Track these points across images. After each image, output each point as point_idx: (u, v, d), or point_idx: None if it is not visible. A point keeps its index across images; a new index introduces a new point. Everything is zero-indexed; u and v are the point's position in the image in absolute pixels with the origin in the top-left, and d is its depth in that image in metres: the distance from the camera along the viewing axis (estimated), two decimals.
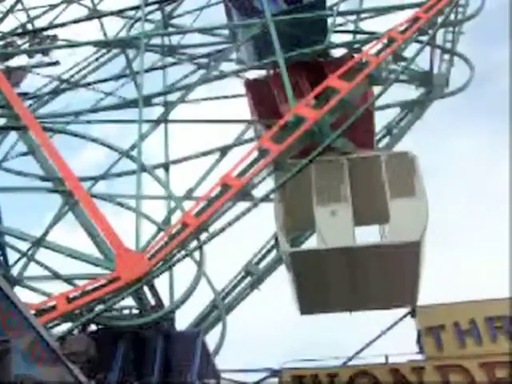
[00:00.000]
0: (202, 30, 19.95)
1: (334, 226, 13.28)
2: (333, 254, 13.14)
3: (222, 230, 12.77)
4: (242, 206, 13.30)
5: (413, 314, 16.60)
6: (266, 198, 13.14)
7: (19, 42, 22.45)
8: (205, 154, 16.99)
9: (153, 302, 13.45)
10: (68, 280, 15.29)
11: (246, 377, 16.86)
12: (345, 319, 15.23)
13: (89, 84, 19.75)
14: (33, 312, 12.40)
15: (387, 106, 17.75)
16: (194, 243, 12.88)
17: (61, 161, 14.34)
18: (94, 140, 15.39)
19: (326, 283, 13.93)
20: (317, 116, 13.88)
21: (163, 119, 15.81)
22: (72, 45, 20.15)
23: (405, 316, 16.70)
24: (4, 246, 15.85)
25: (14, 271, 16.53)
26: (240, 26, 17.81)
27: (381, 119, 17.56)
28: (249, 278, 15.86)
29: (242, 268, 16.02)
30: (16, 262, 15.54)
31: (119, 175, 16.25)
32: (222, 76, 17.53)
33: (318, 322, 15.94)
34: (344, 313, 14.86)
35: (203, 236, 12.82)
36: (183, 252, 12.63)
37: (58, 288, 13.89)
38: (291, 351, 25.22)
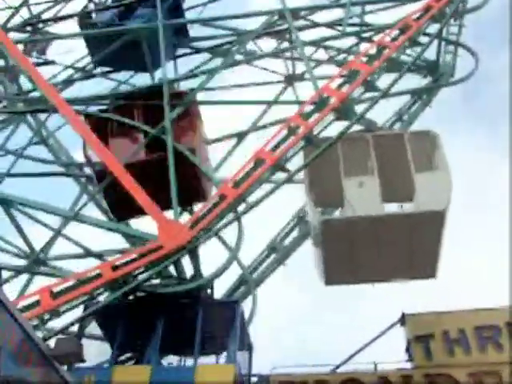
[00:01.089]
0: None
1: (362, 196, 13.95)
2: (362, 223, 13.78)
3: (260, 200, 13.36)
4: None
5: (402, 322, 16.50)
6: (299, 171, 13.75)
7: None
8: (233, 136, 17.57)
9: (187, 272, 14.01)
10: (99, 256, 15.76)
11: None
12: (335, 326, 15.43)
13: (107, 72, 20.15)
14: (76, 280, 12.97)
15: (398, 94, 18.53)
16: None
17: (95, 140, 14.81)
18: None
19: (353, 253, 14.55)
20: (343, 95, 14.66)
21: (189, 101, 16.33)
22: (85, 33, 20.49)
23: (394, 324, 16.53)
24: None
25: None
26: None
27: (393, 106, 18.43)
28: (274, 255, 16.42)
29: (267, 245, 16.59)
30: (49, 243, 15.76)
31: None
32: (243, 62, 18.18)
33: (308, 329, 16.08)
34: (367, 284, 15.45)
35: (241, 207, 13.43)
36: (223, 222, 13.17)
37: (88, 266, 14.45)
38: (280, 357, 25.68)
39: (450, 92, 21.73)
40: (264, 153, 13.94)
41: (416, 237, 14.20)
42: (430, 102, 18.59)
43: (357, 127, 15.39)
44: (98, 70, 20.69)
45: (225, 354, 14.23)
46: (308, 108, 14.83)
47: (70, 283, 12.86)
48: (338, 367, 16.05)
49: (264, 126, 18.32)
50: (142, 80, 20.14)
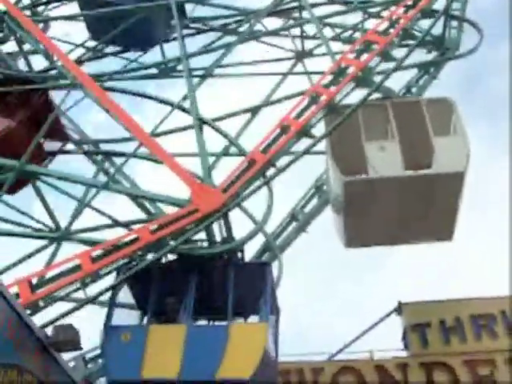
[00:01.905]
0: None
1: (383, 159, 14.51)
2: (384, 184, 14.32)
3: (289, 164, 13.87)
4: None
5: (399, 311, 16.99)
6: (326, 136, 14.27)
7: None
8: (247, 110, 18.02)
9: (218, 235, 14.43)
10: (127, 226, 16.14)
11: None
12: (331, 315, 15.87)
13: (121, 52, 20.50)
14: (114, 244, 13.35)
15: (407, 67, 19.11)
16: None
17: (125, 114, 15.17)
18: (149, 97, 16.27)
19: (373, 215, 15.09)
20: (362, 64, 15.23)
21: (209, 74, 16.82)
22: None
23: (391, 313, 17.08)
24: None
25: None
26: None
27: (401, 80, 19.02)
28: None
29: (289, 213, 17.12)
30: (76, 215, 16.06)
31: (175, 131, 16.92)
32: (255, 36, 18.68)
33: (305, 317, 16.43)
34: (386, 246, 16.04)
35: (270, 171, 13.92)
36: (255, 185, 13.65)
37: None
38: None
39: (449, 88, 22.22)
40: (289, 120, 14.45)
41: (435, 199, 14.81)
42: (436, 76, 19.22)
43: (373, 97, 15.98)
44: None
45: (254, 317, 14.78)
46: (326, 79, 15.46)
47: (109, 248, 13.29)
48: (334, 355, 16.68)
49: (277, 101, 18.76)
50: (152, 58, 20.65)
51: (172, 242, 13.09)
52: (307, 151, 14.05)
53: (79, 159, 19.86)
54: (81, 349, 11.05)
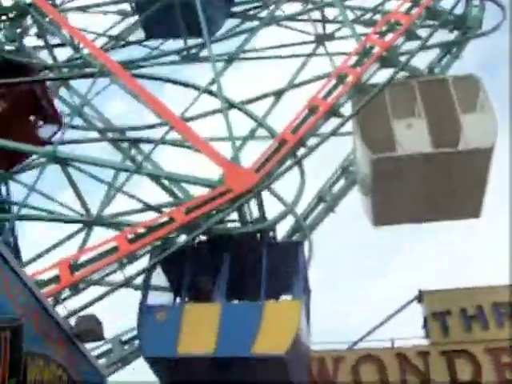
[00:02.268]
0: None
1: (411, 136, 14.65)
2: (412, 161, 14.47)
3: (319, 143, 14.06)
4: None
5: (419, 299, 17.01)
6: (355, 115, 14.43)
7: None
8: (271, 94, 18.22)
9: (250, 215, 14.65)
10: (158, 209, 16.41)
11: None
12: (352, 304, 15.91)
13: (143, 40, 20.72)
14: (149, 226, 13.62)
15: (429, 48, 19.18)
16: None
17: (155, 99, 15.39)
18: (177, 82, 16.51)
19: (401, 193, 15.22)
20: (388, 44, 15.37)
21: (235, 57, 17.04)
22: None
23: (411, 301, 17.10)
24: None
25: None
26: None
27: (424, 60, 19.12)
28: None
29: (316, 194, 17.34)
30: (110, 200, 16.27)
31: (203, 115, 17.11)
32: (277, 21, 18.86)
33: (325, 307, 16.53)
34: (414, 223, 16.19)
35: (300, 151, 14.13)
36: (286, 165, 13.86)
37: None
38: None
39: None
40: (317, 100, 14.64)
41: (463, 176, 14.95)
42: (459, 55, 19.26)
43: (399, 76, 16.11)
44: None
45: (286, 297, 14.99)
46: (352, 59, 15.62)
47: (144, 230, 13.56)
48: (355, 344, 16.81)
49: (302, 83, 18.94)
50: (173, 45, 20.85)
51: (205, 223, 13.30)
52: (337, 130, 14.25)
53: (100, 148, 20.31)
54: (104, 339, 11.30)
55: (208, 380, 13.43)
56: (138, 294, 14.15)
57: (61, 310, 12.87)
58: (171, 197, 16.58)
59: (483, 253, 30.27)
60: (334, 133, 14.17)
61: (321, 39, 20.82)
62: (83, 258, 13.51)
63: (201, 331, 13.14)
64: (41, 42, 20.48)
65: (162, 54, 19.16)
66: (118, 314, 16.41)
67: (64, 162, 15.94)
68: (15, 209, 18.26)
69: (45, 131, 19.25)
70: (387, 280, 37.67)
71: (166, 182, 16.54)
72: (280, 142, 14.05)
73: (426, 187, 15.16)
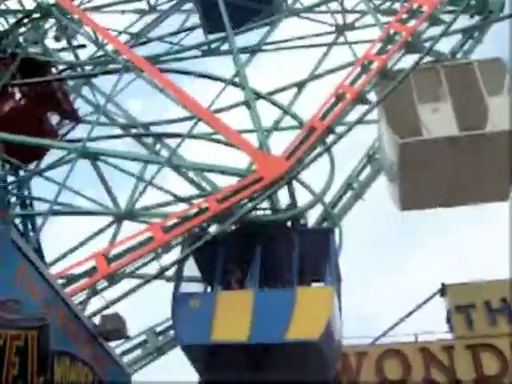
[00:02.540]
0: None
1: (437, 120, 14.72)
2: (439, 144, 14.53)
3: (348, 130, 14.19)
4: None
5: (443, 292, 16.86)
6: (381, 101, 14.55)
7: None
8: (293, 85, 18.37)
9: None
10: (188, 200, 16.61)
11: None
12: (375, 298, 15.69)
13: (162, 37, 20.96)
14: (183, 216, 13.81)
15: (451, 33, 19.22)
16: None
17: (183, 92, 15.59)
18: (200, 75, 16.71)
19: (429, 177, 15.26)
20: (411, 29, 15.48)
21: (257, 49, 17.25)
22: None
23: (434, 295, 16.98)
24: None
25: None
26: None
27: (446, 45, 19.18)
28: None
29: (344, 182, 17.49)
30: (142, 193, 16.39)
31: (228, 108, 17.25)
32: (296, 12, 19.04)
33: (348, 301, 15.80)
34: (442, 208, 16.24)
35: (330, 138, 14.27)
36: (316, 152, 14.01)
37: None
38: None
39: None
40: (344, 87, 14.79)
41: (490, 159, 14.96)
42: (481, 40, 19.29)
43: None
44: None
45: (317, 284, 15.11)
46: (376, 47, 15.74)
47: (177, 220, 13.75)
48: (377, 339, 16.66)
49: (324, 74, 19.06)
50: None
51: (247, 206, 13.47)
52: (365, 116, 14.37)
53: (123, 143, 20.51)
54: (127, 337, 11.22)
55: (242, 366, 13.61)
56: (170, 286, 14.42)
57: (98, 301, 13.33)
58: (198, 190, 16.81)
59: (504, 245, 29.99)
60: (362, 119, 14.28)
61: (341, 29, 20.96)
62: (117, 250, 13.75)
63: (234, 318, 13.30)
64: (59, 45, 20.91)
65: (184, 48, 19.32)
66: (152, 305, 16.69)
67: (94, 157, 16.23)
68: (40, 206, 18.70)
69: (62, 127, 19.73)
70: (408, 275, 37.61)
71: (193, 176, 16.82)
72: (309, 129, 14.21)
73: (452, 171, 15.18)
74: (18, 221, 18.63)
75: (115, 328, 9.74)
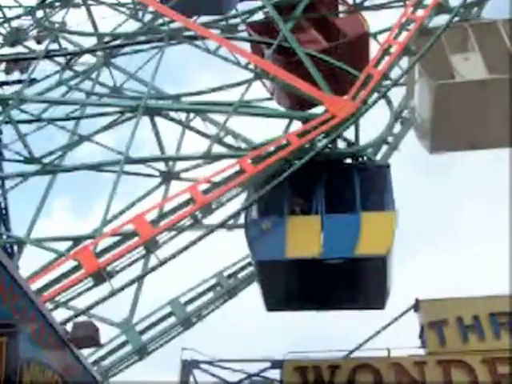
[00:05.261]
0: None
1: (468, 66, 16.61)
2: (471, 87, 16.34)
3: (402, 75, 16.13)
4: None
5: (416, 308, 16.97)
6: (427, 51, 16.46)
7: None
8: None
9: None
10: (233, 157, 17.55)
11: (248, 366, 16.97)
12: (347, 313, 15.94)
13: None
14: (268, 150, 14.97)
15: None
16: None
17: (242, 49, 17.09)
18: (251, 40, 18.35)
19: (460, 120, 16.89)
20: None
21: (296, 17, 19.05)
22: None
23: (408, 310, 17.09)
24: None
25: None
26: None
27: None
28: None
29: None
30: None
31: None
32: None
33: (320, 316, 16.18)
34: (472, 150, 18.12)
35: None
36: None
37: None
38: (294, 344, 26.35)
39: None
40: (390, 41, 16.78)
41: None
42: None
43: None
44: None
45: None
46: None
47: (259, 153, 14.90)
48: (351, 353, 16.72)
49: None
50: None
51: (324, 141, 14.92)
52: (413, 65, 16.37)
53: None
54: (101, 346, 11.54)
55: (313, 282, 14.81)
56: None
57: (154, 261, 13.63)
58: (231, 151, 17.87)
59: (482, 262, 30.18)
60: (413, 66, 16.23)
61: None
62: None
63: (305, 238, 14.56)
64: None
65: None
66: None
67: (155, 113, 17.44)
68: None
69: None
70: None
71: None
72: (366, 75, 16.01)
73: (482, 114, 16.89)
74: None
75: (87, 335, 9.42)
